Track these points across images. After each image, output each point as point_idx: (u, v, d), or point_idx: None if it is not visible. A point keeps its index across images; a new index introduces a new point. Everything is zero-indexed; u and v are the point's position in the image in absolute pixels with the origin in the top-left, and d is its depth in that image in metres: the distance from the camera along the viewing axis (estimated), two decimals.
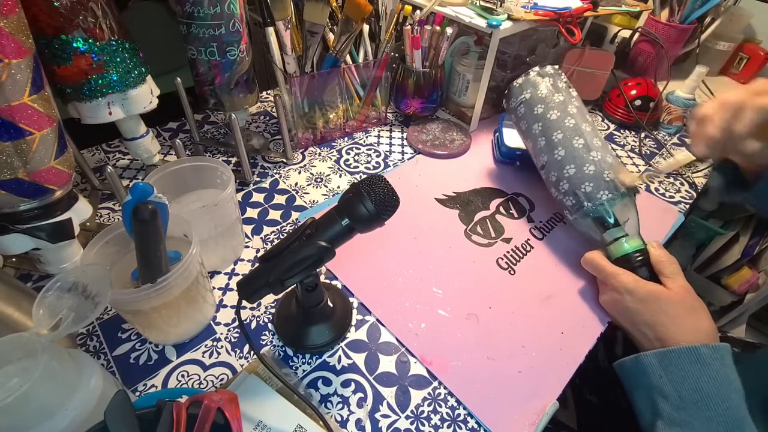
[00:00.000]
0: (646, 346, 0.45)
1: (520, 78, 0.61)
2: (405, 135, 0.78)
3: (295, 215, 0.61)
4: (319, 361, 0.45)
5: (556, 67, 0.59)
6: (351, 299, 0.51)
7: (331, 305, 0.47)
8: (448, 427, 0.41)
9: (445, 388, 0.43)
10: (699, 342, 0.41)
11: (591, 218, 0.52)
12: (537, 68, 0.60)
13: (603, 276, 0.50)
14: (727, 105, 0.39)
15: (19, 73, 0.36)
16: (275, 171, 0.68)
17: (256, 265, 0.50)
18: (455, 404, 0.42)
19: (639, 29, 0.89)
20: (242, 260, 0.54)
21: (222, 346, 0.45)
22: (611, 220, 0.50)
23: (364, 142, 0.76)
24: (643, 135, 0.81)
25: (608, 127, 0.85)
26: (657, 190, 0.70)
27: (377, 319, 0.49)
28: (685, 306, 0.43)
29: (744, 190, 0.46)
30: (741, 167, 0.46)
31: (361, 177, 0.66)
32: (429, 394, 0.43)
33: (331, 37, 0.65)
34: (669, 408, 0.39)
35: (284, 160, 0.70)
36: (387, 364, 0.45)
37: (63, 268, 0.48)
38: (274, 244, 0.50)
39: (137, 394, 0.41)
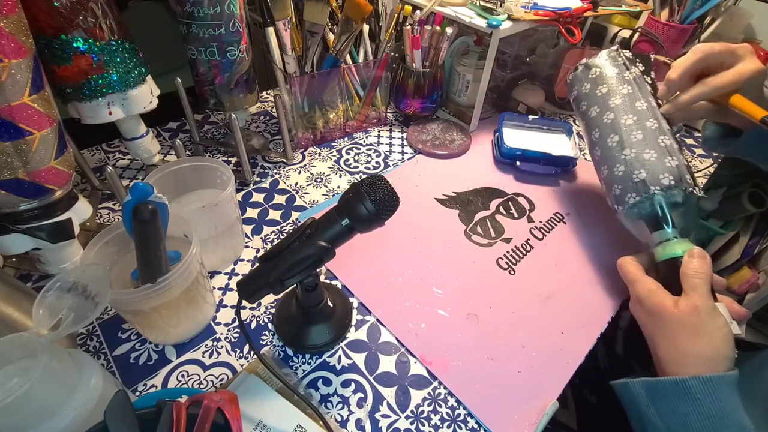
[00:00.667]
0: (654, 360, 0.44)
1: (570, 74, 0.58)
2: (405, 135, 0.78)
3: (295, 215, 0.61)
4: (319, 361, 0.45)
5: (615, 48, 0.55)
6: (351, 299, 0.51)
7: (331, 305, 0.47)
8: (448, 427, 0.41)
9: (445, 388, 0.43)
10: (692, 368, 0.38)
11: (636, 219, 0.49)
12: (585, 60, 0.56)
13: (626, 282, 0.47)
14: (685, 75, 0.46)
15: (19, 73, 0.36)
16: (275, 171, 0.68)
17: (256, 265, 0.50)
18: (455, 404, 0.42)
19: (639, 29, 0.89)
20: (242, 260, 0.54)
21: (222, 346, 0.45)
22: (661, 221, 0.46)
23: (364, 142, 0.76)
24: None
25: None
26: None
27: (377, 319, 0.49)
28: (685, 326, 0.40)
29: (735, 139, 0.49)
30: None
31: (361, 177, 0.66)
32: (429, 394, 0.43)
33: (331, 37, 0.65)
34: None
35: (284, 160, 0.70)
36: (387, 364, 0.45)
37: (63, 268, 0.48)
38: (274, 244, 0.50)
39: (137, 394, 0.41)
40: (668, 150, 0.47)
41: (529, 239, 0.60)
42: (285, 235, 0.56)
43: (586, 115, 0.55)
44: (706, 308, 0.40)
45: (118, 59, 0.50)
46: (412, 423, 0.41)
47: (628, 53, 0.54)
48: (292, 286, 0.40)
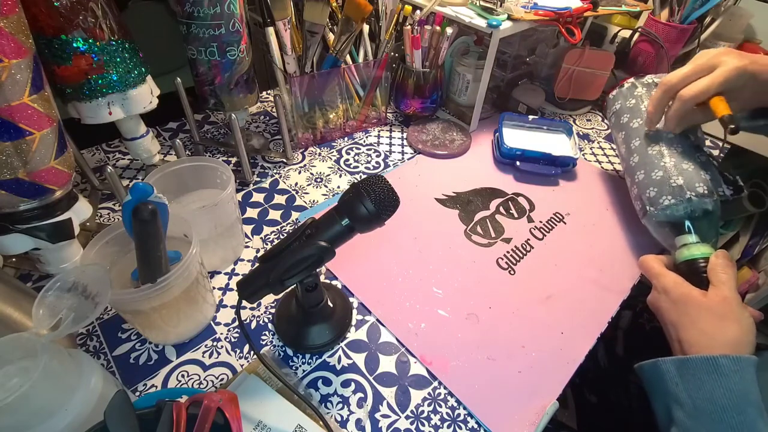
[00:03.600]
0: (673, 347, 0.45)
1: (614, 90, 0.65)
2: (405, 135, 0.78)
3: (295, 215, 0.61)
4: (319, 361, 0.45)
5: (660, 74, 0.61)
6: (351, 299, 0.51)
7: (331, 305, 0.47)
8: (448, 427, 0.41)
9: (445, 388, 0.43)
10: (720, 350, 0.40)
11: (662, 222, 0.52)
12: (632, 79, 0.63)
13: (649, 276, 0.50)
14: (660, 108, 0.51)
15: (19, 73, 0.36)
16: (275, 171, 0.68)
17: (256, 265, 0.50)
18: (455, 404, 0.42)
19: (639, 29, 0.89)
20: (242, 260, 0.54)
21: (222, 346, 0.45)
22: (683, 226, 0.50)
23: (364, 142, 0.76)
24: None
25: (608, 127, 0.85)
26: None
27: (377, 319, 0.49)
28: (713, 313, 0.42)
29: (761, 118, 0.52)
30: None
31: (361, 177, 0.66)
32: (429, 394, 0.43)
33: (331, 37, 0.65)
34: (682, 415, 0.39)
35: (284, 160, 0.70)
36: (387, 364, 0.45)
37: (63, 268, 0.48)
38: (274, 244, 0.50)
39: (137, 394, 0.41)
40: (704, 165, 0.52)
41: (529, 239, 0.60)
42: (285, 235, 0.56)
43: (628, 126, 0.61)
44: (735, 299, 0.42)
45: (118, 59, 0.50)
46: (412, 423, 0.41)
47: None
48: (292, 286, 0.40)
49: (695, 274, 0.47)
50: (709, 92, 0.45)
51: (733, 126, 0.43)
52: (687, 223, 0.50)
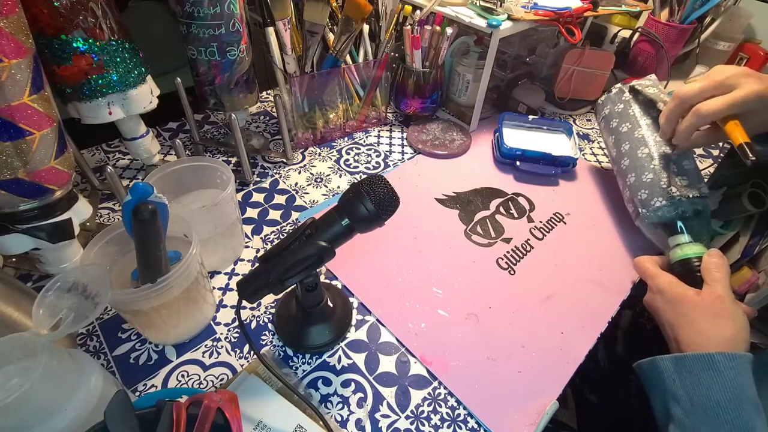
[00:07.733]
0: (671, 345, 0.45)
1: (603, 95, 0.66)
2: (405, 135, 0.78)
3: (295, 215, 0.61)
4: (319, 361, 0.45)
5: (651, 76, 0.61)
6: (351, 299, 0.51)
7: (331, 305, 0.47)
8: (448, 427, 0.41)
9: (445, 388, 0.43)
10: (715, 348, 0.40)
11: (655, 223, 0.53)
12: (620, 84, 0.63)
13: (644, 277, 0.51)
14: (673, 121, 0.50)
15: (19, 73, 0.36)
16: (275, 171, 0.68)
17: (256, 265, 0.50)
18: (455, 404, 0.42)
19: (639, 29, 0.89)
20: (242, 260, 0.54)
21: (222, 346, 0.45)
22: (676, 227, 0.51)
23: (364, 142, 0.76)
24: None
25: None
26: None
27: (377, 319, 0.49)
28: (708, 312, 0.43)
29: None
30: None
31: (361, 177, 0.66)
32: (429, 394, 0.43)
33: (331, 37, 0.65)
34: (680, 412, 0.40)
35: (284, 160, 0.70)
36: (387, 364, 0.45)
37: (63, 268, 0.48)
38: (274, 244, 0.50)
39: (137, 394, 0.41)
40: (690, 165, 0.53)
41: (529, 239, 0.60)
42: (285, 235, 0.56)
43: (617, 130, 0.61)
44: (729, 297, 0.43)
45: (118, 59, 0.50)
46: (412, 423, 0.41)
47: (652, 90, 0.59)
48: (292, 286, 0.40)
49: (689, 273, 0.47)
50: (726, 111, 0.44)
51: (754, 158, 0.42)
52: (679, 223, 0.51)
